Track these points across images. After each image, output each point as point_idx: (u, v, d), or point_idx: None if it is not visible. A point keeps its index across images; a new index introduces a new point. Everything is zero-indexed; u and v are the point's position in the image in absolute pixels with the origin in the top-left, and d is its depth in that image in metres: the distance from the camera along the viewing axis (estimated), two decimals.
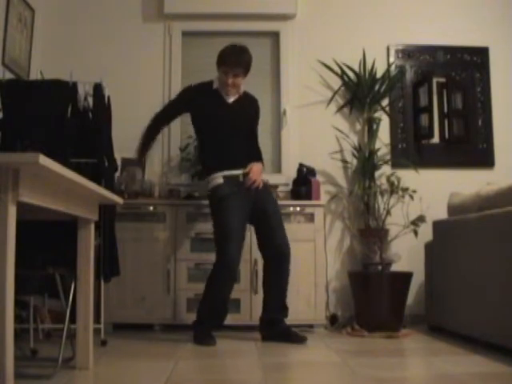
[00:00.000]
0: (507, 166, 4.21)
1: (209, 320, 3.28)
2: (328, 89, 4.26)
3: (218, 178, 3.30)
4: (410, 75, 4.31)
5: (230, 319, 3.63)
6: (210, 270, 3.26)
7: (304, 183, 3.90)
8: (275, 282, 3.34)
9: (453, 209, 3.52)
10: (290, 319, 3.50)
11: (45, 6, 4.08)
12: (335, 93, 4.21)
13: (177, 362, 2.66)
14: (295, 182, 3.97)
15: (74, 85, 3.25)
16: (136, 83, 4.20)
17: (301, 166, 3.97)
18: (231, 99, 3.39)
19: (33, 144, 2.41)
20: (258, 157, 3.44)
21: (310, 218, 3.78)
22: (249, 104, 3.48)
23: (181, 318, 3.64)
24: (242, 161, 3.33)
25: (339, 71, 4.23)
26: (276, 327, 3.31)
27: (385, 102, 4.23)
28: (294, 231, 3.71)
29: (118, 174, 3.71)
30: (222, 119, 3.35)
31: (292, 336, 3.25)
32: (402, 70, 4.29)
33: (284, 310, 3.35)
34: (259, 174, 3.33)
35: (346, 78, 4.22)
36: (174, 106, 3.55)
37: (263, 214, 3.33)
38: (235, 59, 3.27)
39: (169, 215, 3.73)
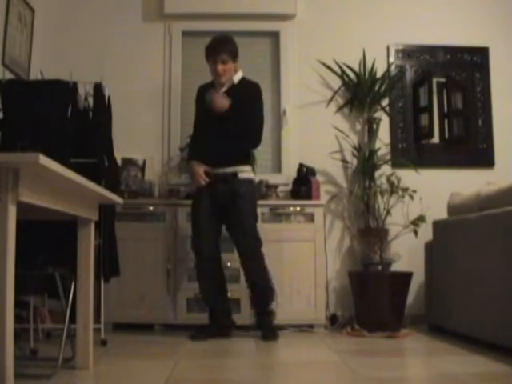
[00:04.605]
0: (507, 166, 4.20)
1: (209, 315, 3.42)
2: (328, 89, 4.26)
3: None
4: (409, 75, 4.31)
5: None
6: None
7: (304, 183, 3.89)
8: (246, 278, 3.40)
9: (453, 209, 3.52)
10: (291, 319, 3.51)
11: (45, 6, 4.08)
12: (335, 93, 4.21)
13: (177, 362, 2.66)
14: (295, 181, 3.97)
15: (74, 85, 3.26)
16: (136, 83, 4.20)
17: (301, 165, 3.97)
18: (222, 90, 3.41)
19: (33, 144, 2.40)
20: (242, 154, 3.43)
21: (310, 217, 3.78)
22: (243, 90, 3.42)
23: (181, 317, 3.64)
24: (221, 157, 3.34)
25: (339, 71, 4.23)
26: (256, 320, 3.46)
27: (385, 102, 4.23)
28: (294, 231, 3.72)
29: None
30: (209, 109, 3.37)
31: (263, 332, 3.35)
32: (402, 70, 4.29)
33: (257, 305, 3.43)
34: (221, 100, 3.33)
35: (346, 78, 4.22)
36: (197, 115, 3.56)
37: (227, 211, 3.36)
38: (219, 47, 3.35)
39: (169, 215, 3.73)
